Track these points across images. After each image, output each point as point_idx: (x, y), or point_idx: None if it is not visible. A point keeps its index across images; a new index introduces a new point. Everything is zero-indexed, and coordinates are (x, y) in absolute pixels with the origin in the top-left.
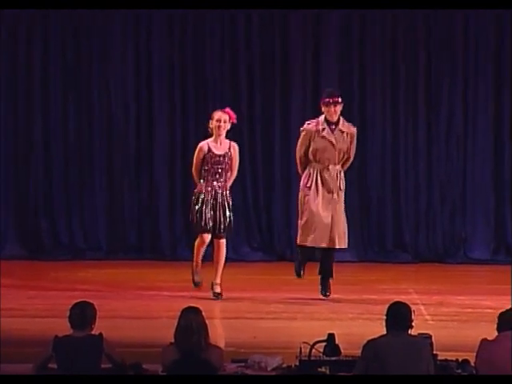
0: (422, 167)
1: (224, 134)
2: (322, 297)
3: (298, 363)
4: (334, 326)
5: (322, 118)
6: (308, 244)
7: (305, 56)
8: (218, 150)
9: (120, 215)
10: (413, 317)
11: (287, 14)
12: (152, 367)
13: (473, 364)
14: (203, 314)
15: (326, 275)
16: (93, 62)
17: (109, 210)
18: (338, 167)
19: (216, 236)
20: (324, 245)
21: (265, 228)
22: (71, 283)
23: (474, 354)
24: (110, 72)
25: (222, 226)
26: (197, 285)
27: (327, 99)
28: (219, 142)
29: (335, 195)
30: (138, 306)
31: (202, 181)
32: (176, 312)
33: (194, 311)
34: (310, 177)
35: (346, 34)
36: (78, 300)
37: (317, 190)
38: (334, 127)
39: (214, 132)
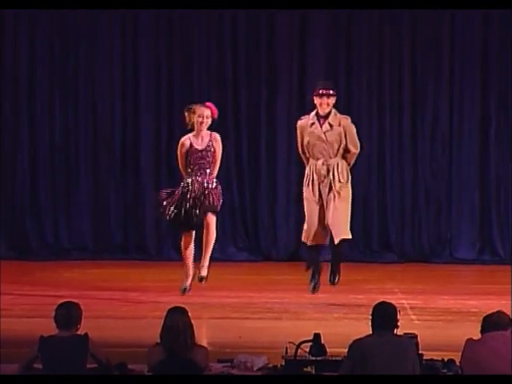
0: (408, 167)
1: (205, 129)
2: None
3: (283, 363)
4: (319, 325)
5: (312, 113)
6: (308, 242)
7: (291, 55)
8: (200, 145)
9: (105, 215)
10: (398, 317)
11: (273, 14)
12: (138, 367)
13: (458, 363)
14: (189, 313)
15: (333, 266)
16: (79, 62)
17: (94, 210)
18: (335, 160)
19: (203, 215)
20: (321, 242)
21: (251, 228)
22: (57, 283)
23: (460, 353)
24: (97, 72)
25: (205, 207)
26: (183, 290)
27: (320, 90)
28: (200, 137)
29: (333, 189)
30: (124, 306)
31: (188, 177)
32: (162, 312)
33: (180, 311)
34: (307, 175)
35: (332, 34)
36: (64, 300)
37: (312, 187)
38: (323, 121)
39: (196, 127)
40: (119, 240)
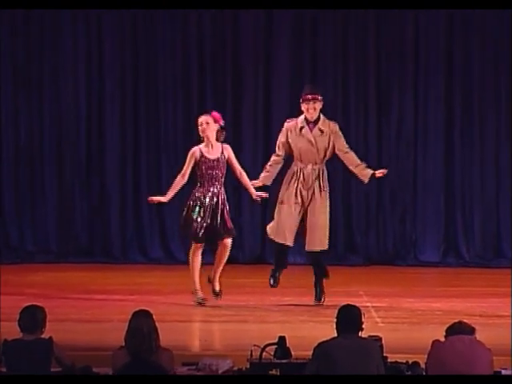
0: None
1: (213, 137)
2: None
3: (248, 366)
4: (284, 328)
5: (301, 117)
6: (275, 239)
7: (256, 55)
8: (211, 155)
9: (70, 218)
10: (363, 319)
11: (238, 14)
12: (102, 371)
13: (423, 365)
14: (154, 317)
15: (317, 278)
16: (43, 63)
17: (59, 213)
18: (321, 166)
19: (220, 238)
20: (290, 244)
21: None
22: (21, 287)
23: (424, 356)
24: (61, 72)
25: (223, 230)
26: (200, 303)
27: (307, 96)
28: (211, 146)
29: (316, 195)
30: (89, 310)
31: (198, 185)
32: (127, 315)
33: (145, 314)
34: (291, 176)
35: (297, 34)
36: (28, 304)
37: (296, 190)
38: (312, 126)
39: (201, 136)
40: (84, 243)
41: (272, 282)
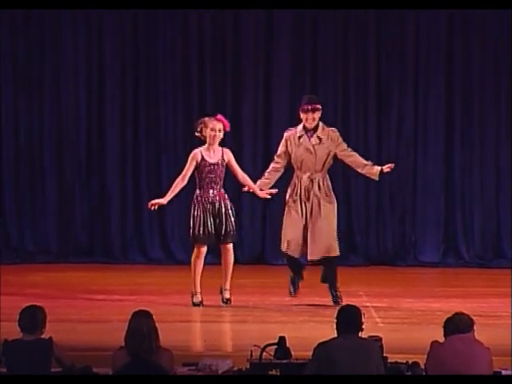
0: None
1: (217, 143)
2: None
3: (248, 366)
4: (284, 328)
5: (300, 126)
6: (285, 251)
7: (256, 56)
8: (212, 159)
9: (70, 218)
10: (363, 319)
11: (239, 14)
12: (102, 371)
13: (423, 366)
14: (153, 317)
15: (329, 284)
16: (44, 63)
17: (59, 213)
18: (321, 174)
19: (222, 242)
20: (297, 255)
21: None
22: (21, 287)
23: (424, 356)
24: (62, 72)
25: (225, 233)
26: (196, 305)
27: (306, 106)
28: (212, 151)
29: (318, 204)
30: (89, 310)
31: (197, 190)
32: (127, 315)
33: (145, 314)
34: (294, 187)
35: (297, 34)
36: (28, 304)
37: (300, 201)
38: (311, 134)
39: (208, 140)
40: (84, 243)
41: (292, 290)
